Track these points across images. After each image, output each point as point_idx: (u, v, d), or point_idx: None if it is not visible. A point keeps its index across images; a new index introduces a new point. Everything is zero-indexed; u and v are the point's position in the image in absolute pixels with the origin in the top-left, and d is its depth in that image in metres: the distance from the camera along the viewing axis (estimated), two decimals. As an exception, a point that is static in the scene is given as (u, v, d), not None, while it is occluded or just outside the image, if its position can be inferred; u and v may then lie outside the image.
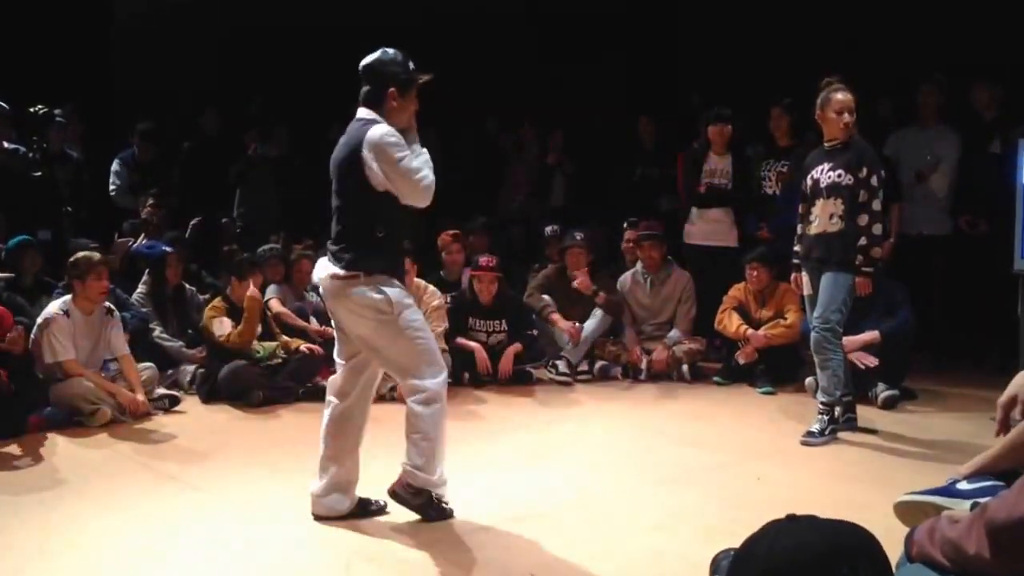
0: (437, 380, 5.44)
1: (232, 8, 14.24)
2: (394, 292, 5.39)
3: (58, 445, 7.38)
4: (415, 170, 5.33)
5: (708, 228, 10.47)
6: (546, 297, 10.08)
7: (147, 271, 9.61)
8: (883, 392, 8.47)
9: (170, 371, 9.17)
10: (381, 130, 5.29)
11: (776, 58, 11.67)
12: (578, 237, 10.21)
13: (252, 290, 8.87)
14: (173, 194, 11.69)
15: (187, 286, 9.89)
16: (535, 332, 10.06)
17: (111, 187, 11.72)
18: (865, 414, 7.84)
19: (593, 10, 13.95)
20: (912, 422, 7.99)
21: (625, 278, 10.33)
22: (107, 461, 7.01)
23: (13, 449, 7.17)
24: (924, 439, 7.43)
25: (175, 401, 8.55)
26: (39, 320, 8.07)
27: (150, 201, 10.90)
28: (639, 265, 10.27)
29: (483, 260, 9.86)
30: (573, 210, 12.41)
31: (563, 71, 13.94)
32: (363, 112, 5.47)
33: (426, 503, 5.55)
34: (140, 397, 8.12)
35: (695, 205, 10.49)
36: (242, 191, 12.34)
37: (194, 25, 14.02)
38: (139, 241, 10.24)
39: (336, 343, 5.73)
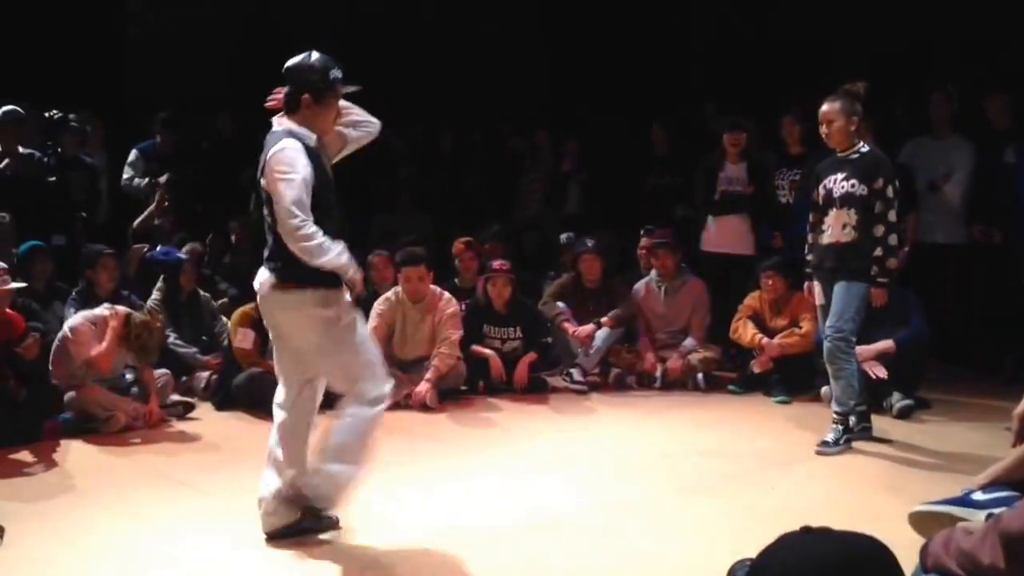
0: (383, 390, 5.41)
1: (246, 9, 14.26)
2: (334, 307, 5.29)
3: (72, 451, 7.39)
4: (289, 198, 5.07)
5: (725, 236, 10.45)
6: (560, 304, 10.07)
7: (162, 277, 9.61)
8: (898, 402, 8.44)
9: (184, 378, 9.18)
10: (282, 144, 5.14)
11: (788, 65, 11.65)
12: (589, 244, 10.22)
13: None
14: (188, 191, 11.67)
15: (201, 293, 9.90)
16: (550, 340, 10.05)
17: (124, 176, 11.64)
18: (880, 424, 7.80)
19: (606, 16, 13.97)
20: (927, 432, 7.96)
21: (640, 286, 10.32)
22: (121, 468, 7.02)
23: (27, 455, 7.18)
24: (939, 449, 7.40)
25: (189, 408, 8.54)
26: (65, 330, 8.06)
27: (162, 178, 10.90)
28: (654, 273, 10.27)
29: (496, 263, 9.87)
30: (588, 218, 12.39)
31: (577, 78, 13.95)
32: (277, 120, 5.37)
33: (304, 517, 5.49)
34: (154, 407, 8.13)
35: (710, 213, 10.50)
36: (257, 197, 12.32)
37: (208, 28, 14.03)
38: (141, 224, 10.24)
39: (275, 361, 5.65)
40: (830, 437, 7.31)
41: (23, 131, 10.16)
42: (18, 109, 10.05)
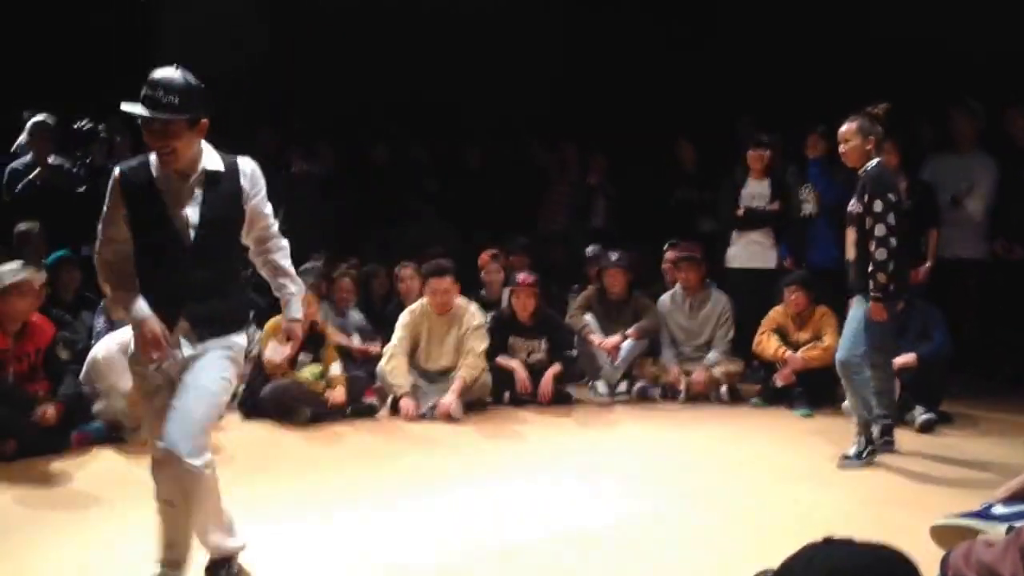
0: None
1: (273, 23, 14.32)
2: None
3: (100, 461, 7.46)
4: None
5: (749, 251, 10.52)
6: (587, 316, 10.13)
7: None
8: (921, 416, 8.46)
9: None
10: None
11: (813, 81, 11.66)
12: (613, 258, 10.26)
13: None
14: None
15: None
16: (575, 352, 10.10)
17: None
18: (902, 438, 7.80)
19: (634, 30, 14.00)
20: (948, 446, 7.97)
21: (664, 299, 10.37)
22: (149, 477, 7.05)
23: (55, 465, 7.23)
24: (960, 463, 7.43)
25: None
26: (98, 356, 8.06)
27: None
28: (678, 286, 10.31)
29: (521, 276, 9.91)
30: (614, 231, 12.41)
31: (604, 91, 13.96)
32: None
33: None
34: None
35: (734, 228, 10.55)
36: (286, 209, 12.38)
37: (235, 39, 14.09)
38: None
39: None
40: (852, 451, 7.35)
41: (53, 141, 10.24)
42: (48, 119, 10.13)
